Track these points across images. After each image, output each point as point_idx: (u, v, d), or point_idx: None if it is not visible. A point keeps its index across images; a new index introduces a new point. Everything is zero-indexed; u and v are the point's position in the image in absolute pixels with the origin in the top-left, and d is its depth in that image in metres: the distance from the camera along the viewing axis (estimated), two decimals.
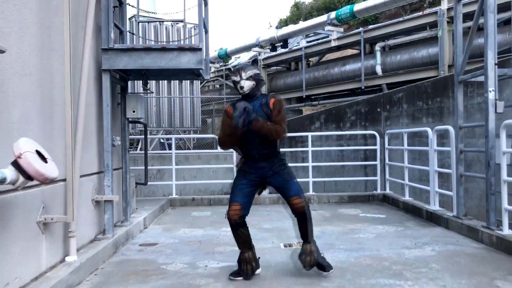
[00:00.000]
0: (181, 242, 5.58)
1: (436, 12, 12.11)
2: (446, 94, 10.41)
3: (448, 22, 11.29)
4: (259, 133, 3.82)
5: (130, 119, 6.10)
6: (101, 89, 5.06)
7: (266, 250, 5.12)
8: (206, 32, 5.83)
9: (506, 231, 4.87)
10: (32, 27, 3.57)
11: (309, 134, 9.33)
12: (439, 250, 4.90)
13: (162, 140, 18.78)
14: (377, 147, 9.14)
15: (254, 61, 4.26)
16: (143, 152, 14.20)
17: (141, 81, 6.16)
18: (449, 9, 11.52)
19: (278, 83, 18.17)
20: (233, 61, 26.34)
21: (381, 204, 8.52)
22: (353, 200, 8.91)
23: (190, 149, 17.35)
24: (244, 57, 24.24)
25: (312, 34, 20.43)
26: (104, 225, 5.07)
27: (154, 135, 17.35)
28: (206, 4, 5.86)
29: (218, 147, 10.76)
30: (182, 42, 14.49)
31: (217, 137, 4.13)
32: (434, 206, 6.72)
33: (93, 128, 5.02)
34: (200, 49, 4.98)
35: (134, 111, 5.72)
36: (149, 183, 10.48)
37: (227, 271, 4.25)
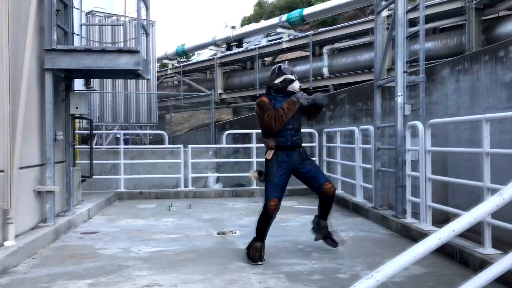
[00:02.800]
0: (121, 231, 5.98)
1: None
2: (383, 96, 11.16)
3: (387, 28, 12.03)
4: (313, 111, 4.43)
5: (77, 115, 6.46)
6: (43, 87, 5.39)
7: (199, 237, 5.60)
8: (147, 35, 6.24)
9: (409, 219, 5.53)
10: None
11: (254, 131, 9.88)
12: (351, 236, 5.52)
13: (118, 135, 18.92)
14: (315, 144, 9.80)
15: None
16: (96, 146, 14.37)
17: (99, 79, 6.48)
18: (388, 16, 12.30)
19: (233, 81, 18.65)
20: (196, 57, 26.60)
21: (318, 197, 9.14)
22: (293, 193, 9.49)
23: (146, 145, 17.56)
24: (207, 54, 24.53)
25: (273, 34, 21.00)
26: (45, 214, 5.41)
27: (110, 130, 17.52)
28: (147, 8, 6.28)
29: (166, 143, 11.13)
30: (132, 42, 14.69)
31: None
32: (359, 198, 7.38)
33: (36, 124, 5.35)
34: (138, 52, 5.39)
35: (77, 108, 6.07)
36: (100, 177, 10.78)
37: (158, 255, 4.70)
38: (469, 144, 7.88)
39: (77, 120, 9.81)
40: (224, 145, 10.22)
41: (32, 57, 4.94)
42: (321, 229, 4.75)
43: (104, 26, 14.64)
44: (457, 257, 4.24)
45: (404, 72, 5.78)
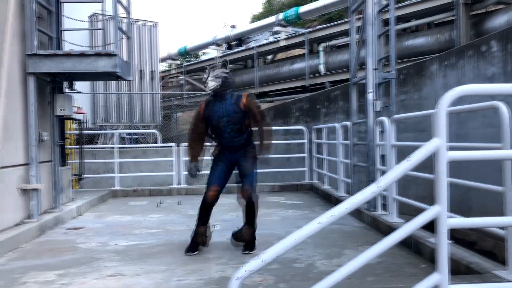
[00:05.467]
0: (105, 226, 6.25)
1: None
2: None
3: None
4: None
5: (66, 116, 6.76)
6: (26, 90, 5.67)
7: (178, 232, 5.83)
8: (129, 38, 6.49)
9: (379, 211, 5.71)
10: None
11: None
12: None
13: (123, 135, 19.33)
14: (305, 141, 9.99)
15: (224, 63, 4.65)
16: (103, 146, 14.71)
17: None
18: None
19: (234, 80, 18.91)
20: (203, 57, 26.97)
21: (306, 193, 9.35)
22: (283, 189, 9.71)
23: (149, 143, 17.88)
24: (212, 54, 24.88)
25: (280, 31, 21.18)
26: (30, 211, 5.70)
27: (115, 130, 17.90)
28: (128, 12, 6.53)
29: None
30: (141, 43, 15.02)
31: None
32: (340, 192, 7.56)
33: (19, 125, 5.63)
34: (115, 55, 5.65)
35: (62, 109, 6.35)
36: (104, 175, 11.13)
37: (131, 248, 4.95)
38: (456, 138, 7.98)
39: (71, 121, 10.15)
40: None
41: (13, 62, 5.23)
42: (242, 233, 4.70)
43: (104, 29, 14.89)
44: (413, 247, 4.41)
45: (374, 69, 5.94)
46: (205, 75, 4.54)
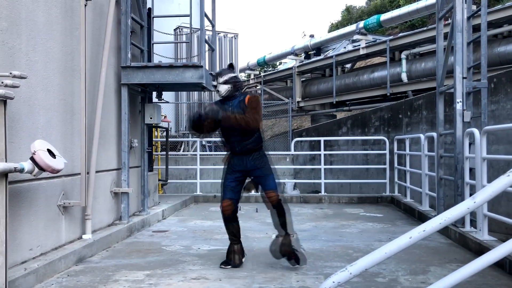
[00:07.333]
0: (188, 230, 6.50)
1: None
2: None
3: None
4: (235, 125, 4.20)
5: (154, 124, 7.15)
6: (120, 100, 6.08)
7: (256, 238, 5.93)
8: (213, 50, 6.74)
9: (467, 228, 5.40)
10: (56, 54, 4.60)
11: (322, 139, 10.06)
12: None
13: (204, 143, 19.91)
14: (386, 151, 9.69)
15: (231, 66, 4.59)
16: (186, 153, 15.32)
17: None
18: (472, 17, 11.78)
19: (311, 89, 18.85)
20: (280, 67, 27.28)
21: (387, 205, 9.07)
22: (362, 201, 9.50)
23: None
24: (290, 63, 25.07)
25: (359, 40, 20.89)
26: (121, 213, 6.08)
27: (196, 137, 18.53)
28: (213, 25, 6.79)
29: None
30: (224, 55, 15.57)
31: None
32: (424, 206, 7.25)
33: (113, 132, 6.05)
34: (201, 66, 5.89)
35: (151, 118, 6.72)
36: (186, 181, 11.61)
37: (214, 253, 5.11)
38: None
39: (158, 129, 10.71)
40: (292, 152, 10.49)
41: (109, 74, 5.63)
42: (281, 245, 4.45)
43: (187, 41, 15.56)
44: (507, 268, 4.12)
45: (463, 78, 5.66)
46: (214, 81, 4.49)
